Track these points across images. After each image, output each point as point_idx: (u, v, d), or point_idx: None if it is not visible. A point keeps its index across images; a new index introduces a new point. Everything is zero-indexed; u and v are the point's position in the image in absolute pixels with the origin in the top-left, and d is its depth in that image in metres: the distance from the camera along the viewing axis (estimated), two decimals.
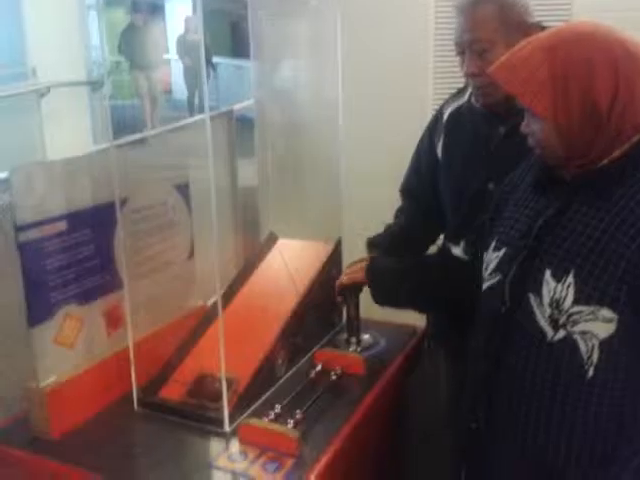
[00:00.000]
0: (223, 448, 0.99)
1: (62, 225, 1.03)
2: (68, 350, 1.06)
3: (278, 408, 1.05)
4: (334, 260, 1.40)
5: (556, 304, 0.85)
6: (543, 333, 0.86)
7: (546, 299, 0.86)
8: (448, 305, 1.21)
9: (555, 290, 0.86)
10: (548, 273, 0.87)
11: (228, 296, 1.35)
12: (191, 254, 1.34)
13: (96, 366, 1.10)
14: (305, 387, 1.13)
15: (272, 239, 1.48)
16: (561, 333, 0.85)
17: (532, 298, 0.88)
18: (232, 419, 1.05)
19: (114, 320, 1.15)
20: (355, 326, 1.35)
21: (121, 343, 1.13)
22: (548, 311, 0.86)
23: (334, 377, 1.16)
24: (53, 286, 1.02)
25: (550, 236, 0.89)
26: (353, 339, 1.35)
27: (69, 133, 4.10)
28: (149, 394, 1.12)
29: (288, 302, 1.28)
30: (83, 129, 4.43)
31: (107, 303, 1.14)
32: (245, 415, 1.08)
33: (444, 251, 1.29)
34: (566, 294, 0.85)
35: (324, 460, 0.96)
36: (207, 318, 1.28)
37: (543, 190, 0.94)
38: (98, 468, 0.94)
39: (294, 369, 1.24)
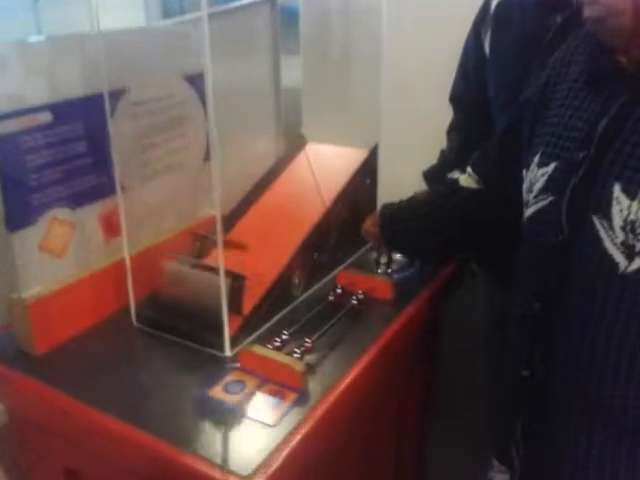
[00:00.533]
0: (220, 376, 0.88)
1: (46, 117, 0.89)
2: (57, 259, 0.96)
3: (286, 334, 0.93)
4: (368, 169, 1.23)
5: (631, 226, 0.68)
6: (614, 263, 0.69)
7: (617, 221, 0.69)
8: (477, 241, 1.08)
9: (630, 209, 0.68)
10: (618, 188, 0.69)
11: (246, 204, 1.21)
12: (207, 156, 1.19)
13: (91, 276, 0.99)
14: (320, 312, 1.00)
15: (300, 142, 1.32)
16: (638, 262, 0.68)
17: (597, 221, 0.70)
18: (235, 343, 0.94)
19: (113, 226, 1.03)
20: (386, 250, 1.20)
21: (122, 252, 1.02)
22: (621, 236, 0.69)
23: (355, 302, 1.03)
24: (36, 187, 0.90)
25: (617, 142, 0.69)
26: (383, 259, 1.20)
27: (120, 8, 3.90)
28: (149, 309, 1.02)
29: (312, 214, 1.13)
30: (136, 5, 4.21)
31: (104, 207, 1.01)
32: (250, 339, 0.97)
33: (451, 184, 1.08)
34: None
35: (332, 398, 0.84)
36: (229, 219, 1.16)
37: (599, 86, 0.74)
38: (77, 388, 0.86)
39: (312, 290, 1.11)
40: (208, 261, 1.08)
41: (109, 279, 1.02)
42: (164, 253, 1.07)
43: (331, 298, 1.04)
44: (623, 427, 0.73)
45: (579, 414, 0.76)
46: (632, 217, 0.67)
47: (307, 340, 0.91)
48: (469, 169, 1.02)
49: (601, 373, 0.73)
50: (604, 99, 0.73)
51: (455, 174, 1.09)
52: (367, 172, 1.23)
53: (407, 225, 1.06)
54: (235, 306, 0.96)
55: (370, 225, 1.11)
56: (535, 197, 0.79)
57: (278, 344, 0.91)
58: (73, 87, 0.93)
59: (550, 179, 0.77)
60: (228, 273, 0.94)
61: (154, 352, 0.95)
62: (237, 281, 0.95)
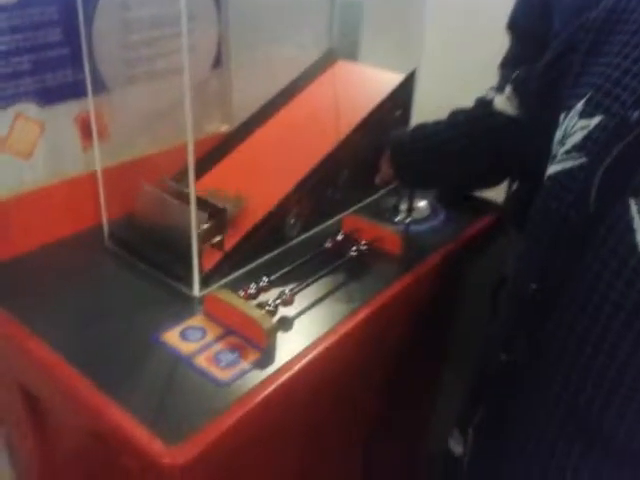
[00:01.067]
0: (181, 318, 0.77)
1: None
2: (23, 160, 0.85)
3: (265, 281, 0.80)
4: (400, 98, 1.05)
5: None
6: (638, 256, 0.53)
7: None
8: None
9: None
10: None
11: (256, 120, 1.06)
12: (217, 62, 1.04)
13: (62, 184, 0.88)
14: (313, 260, 0.87)
15: (329, 59, 1.14)
16: None
17: (635, 207, 0.53)
18: (207, 283, 0.82)
19: (101, 127, 0.91)
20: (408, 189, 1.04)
21: (105, 161, 0.91)
22: None
23: (354, 253, 0.88)
24: None
25: None
26: (403, 206, 1.04)
27: None
28: (124, 230, 0.90)
29: (325, 142, 0.97)
30: None
31: (82, 109, 0.89)
32: (225, 280, 0.85)
33: (484, 106, 0.89)
34: None
35: (298, 365, 0.72)
36: (223, 147, 1.02)
37: None
38: (22, 305, 0.77)
39: (311, 232, 0.97)
40: (202, 183, 0.96)
41: (85, 190, 0.91)
42: (154, 168, 0.95)
43: (328, 245, 0.90)
44: (594, 438, 0.60)
45: (547, 419, 0.63)
46: None
47: (285, 291, 0.79)
48: (508, 89, 0.84)
49: (583, 378, 0.59)
50: None
51: (490, 94, 0.90)
52: (399, 101, 1.05)
53: (423, 153, 0.90)
54: (214, 241, 0.84)
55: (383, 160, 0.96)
56: (566, 153, 0.62)
57: (253, 291, 0.79)
58: None
59: (589, 136, 0.59)
60: (206, 204, 0.82)
61: (118, 278, 0.85)
62: (216, 214, 0.83)
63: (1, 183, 0.83)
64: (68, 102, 0.86)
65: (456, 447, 0.80)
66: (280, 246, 0.92)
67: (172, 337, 0.74)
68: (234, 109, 1.07)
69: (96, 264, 0.87)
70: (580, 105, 0.62)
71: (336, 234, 0.91)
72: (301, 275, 0.83)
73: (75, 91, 0.86)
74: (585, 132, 0.60)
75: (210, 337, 0.75)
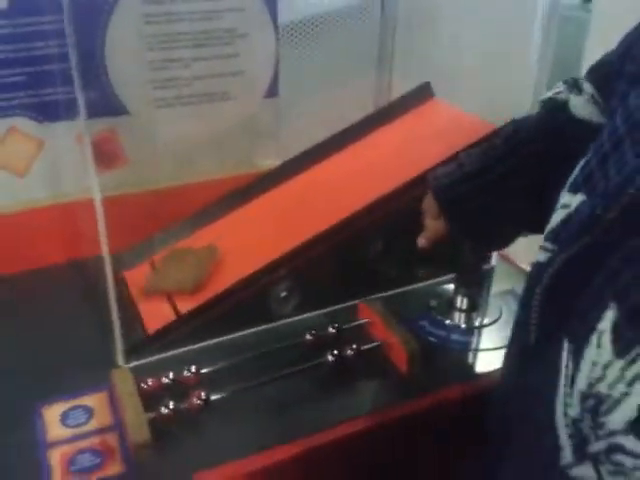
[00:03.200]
0: (81, 392, 0.63)
1: None
2: (16, 176, 0.79)
3: (191, 372, 0.62)
4: None
5: (594, 402, 0.32)
6: (557, 447, 0.34)
7: (582, 381, 0.33)
8: None
9: (605, 370, 0.32)
10: (611, 316, 0.32)
11: (300, 162, 0.87)
12: (271, 91, 0.89)
13: (61, 206, 0.81)
14: (278, 352, 0.66)
15: (422, 94, 0.90)
16: (585, 470, 0.33)
17: (566, 353, 0.35)
18: (145, 350, 0.67)
19: (104, 155, 0.83)
20: (467, 280, 0.76)
21: (115, 188, 0.82)
22: (576, 409, 0.33)
23: (330, 357, 0.65)
24: None
25: None
26: (463, 301, 0.76)
27: None
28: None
29: (365, 196, 0.75)
30: None
31: (94, 129, 0.81)
32: (174, 352, 0.68)
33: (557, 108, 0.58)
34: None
35: None
36: (253, 188, 0.86)
37: None
38: None
39: (312, 314, 0.75)
40: (212, 229, 0.82)
41: (83, 216, 0.83)
42: (169, 202, 0.84)
43: (309, 337, 0.68)
44: None
45: None
46: (601, 389, 0.31)
47: (200, 395, 0.60)
48: (587, 87, 0.57)
49: None
50: None
51: (562, 92, 0.59)
52: None
53: (478, 192, 0.61)
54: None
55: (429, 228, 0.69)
56: (544, 239, 0.41)
57: (167, 381, 0.62)
58: None
59: (566, 220, 0.39)
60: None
61: (66, 319, 0.74)
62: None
63: None
64: (72, 120, 0.79)
65: None
66: (261, 323, 0.72)
67: (53, 413, 0.61)
68: (288, 144, 0.90)
69: (60, 300, 0.78)
70: (577, 170, 0.40)
71: (332, 324, 0.69)
72: (246, 373, 0.63)
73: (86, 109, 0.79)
74: (564, 215, 0.40)
75: (92, 425, 0.59)
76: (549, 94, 0.60)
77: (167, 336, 0.68)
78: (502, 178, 0.60)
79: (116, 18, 0.76)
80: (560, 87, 0.59)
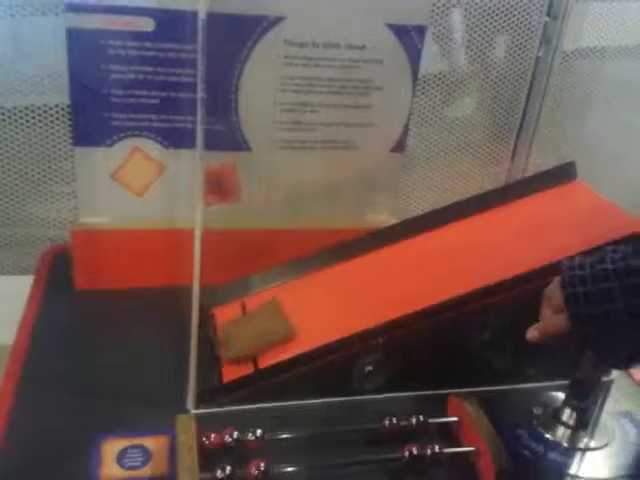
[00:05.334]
0: (144, 432, 0.61)
1: (146, 23, 0.71)
2: (134, 195, 0.80)
3: (257, 433, 0.58)
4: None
5: None
6: None
7: None
8: None
9: None
10: None
11: (415, 226, 0.82)
12: (399, 146, 0.84)
13: (166, 231, 0.81)
14: (350, 434, 0.60)
15: (565, 173, 0.81)
16: None
17: None
18: (214, 400, 0.64)
19: (220, 188, 0.82)
20: (584, 392, 0.66)
21: (225, 221, 0.81)
22: None
23: (407, 454, 0.58)
24: (118, 104, 0.74)
25: None
26: (571, 416, 0.66)
27: None
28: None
29: (479, 279, 0.68)
30: None
31: (216, 161, 0.80)
32: (242, 407, 0.64)
33: None
34: None
35: None
36: (359, 243, 0.81)
37: None
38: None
39: (398, 394, 0.68)
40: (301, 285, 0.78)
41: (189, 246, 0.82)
42: (271, 245, 0.82)
43: (388, 423, 0.61)
44: None
45: None
46: None
47: (260, 465, 0.55)
48: None
49: None
50: None
51: None
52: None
53: (619, 282, 0.52)
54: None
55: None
56: None
57: (229, 440, 0.58)
58: None
59: None
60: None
61: (147, 353, 0.73)
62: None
63: (106, 212, 0.80)
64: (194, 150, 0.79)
65: None
66: (334, 395, 0.67)
67: (110, 450, 0.59)
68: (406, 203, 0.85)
69: (150, 326, 0.77)
70: None
71: (414, 415, 0.62)
72: (312, 450, 0.58)
73: (209, 140, 0.78)
74: None
75: (144, 472, 0.57)
76: None
77: (241, 388, 0.65)
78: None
79: (256, 55, 0.75)
80: None
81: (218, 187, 0.82)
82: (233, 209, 0.84)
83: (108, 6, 0.70)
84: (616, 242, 0.65)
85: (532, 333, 0.60)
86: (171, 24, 0.72)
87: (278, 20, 0.74)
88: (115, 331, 0.76)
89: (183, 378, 0.64)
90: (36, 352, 0.71)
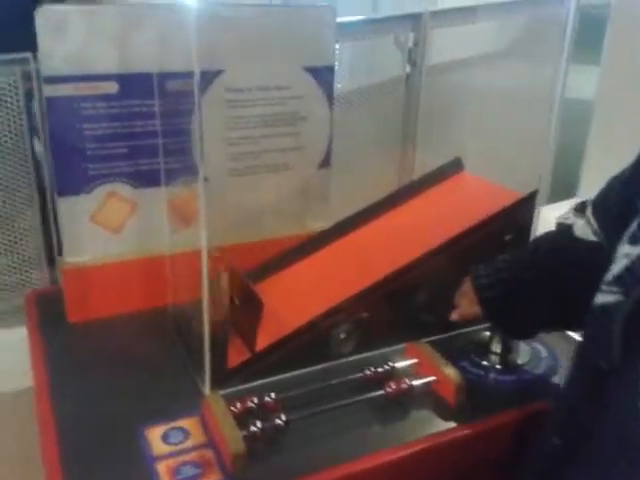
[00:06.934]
0: (177, 416, 0.74)
1: (111, 87, 0.86)
2: (112, 233, 0.93)
3: (272, 398, 0.74)
4: (516, 218, 0.91)
5: None
6: None
7: None
8: None
9: None
10: None
11: (347, 225, 1.01)
12: (325, 162, 1.03)
13: (145, 260, 0.94)
14: (342, 385, 0.78)
15: (454, 167, 1.04)
16: None
17: None
18: (226, 383, 0.78)
19: (184, 214, 0.96)
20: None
21: (191, 244, 0.95)
22: None
23: (387, 390, 0.76)
24: (92, 157, 0.87)
25: None
26: (498, 345, 0.88)
27: None
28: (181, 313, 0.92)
29: (408, 255, 0.88)
30: None
31: (179, 193, 0.95)
32: (249, 385, 0.79)
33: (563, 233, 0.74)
34: None
35: None
36: (303, 247, 0.99)
37: None
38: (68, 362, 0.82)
39: (369, 354, 0.87)
40: (274, 281, 0.94)
41: (164, 269, 0.96)
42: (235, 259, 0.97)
43: (368, 373, 0.79)
44: None
45: None
46: None
47: (281, 417, 0.71)
48: (589, 211, 0.71)
49: None
50: None
51: (569, 217, 0.75)
52: (510, 225, 0.90)
53: (503, 285, 0.76)
54: (248, 341, 0.81)
55: (461, 294, 0.82)
56: (607, 284, 0.53)
57: (252, 405, 0.73)
58: (146, 61, 0.86)
59: (630, 267, 0.50)
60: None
61: (154, 358, 0.86)
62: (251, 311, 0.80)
63: (90, 251, 0.92)
64: (161, 187, 0.93)
65: None
66: (321, 362, 0.84)
67: (154, 434, 0.72)
68: (337, 209, 1.04)
69: (146, 342, 0.90)
70: (633, 228, 0.52)
71: (386, 362, 0.80)
72: (318, 400, 0.74)
73: (169, 177, 0.93)
74: (627, 261, 0.51)
75: (189, 443, 0.70)
76: (561, 220, 0.76)
77: (245, 370, 0.80)
78: (529, 286, 0.74)
79: (204, 101, 0.90)
80: (570, 215, 0.75)
81: (184, 215, 0.96)
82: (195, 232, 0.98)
83: (78, 75, 0.83)
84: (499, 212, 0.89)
85: (454, 316, 0.83)
86: (132, 85, 0.87)
87: (218, 73, 0.90)
88: (116, 352, 0.87)
89: (192, 374, 0.78)
90: (59, 382, 0.81)
